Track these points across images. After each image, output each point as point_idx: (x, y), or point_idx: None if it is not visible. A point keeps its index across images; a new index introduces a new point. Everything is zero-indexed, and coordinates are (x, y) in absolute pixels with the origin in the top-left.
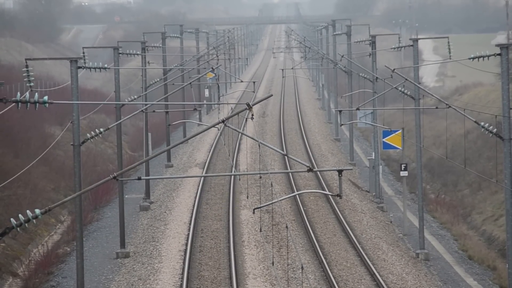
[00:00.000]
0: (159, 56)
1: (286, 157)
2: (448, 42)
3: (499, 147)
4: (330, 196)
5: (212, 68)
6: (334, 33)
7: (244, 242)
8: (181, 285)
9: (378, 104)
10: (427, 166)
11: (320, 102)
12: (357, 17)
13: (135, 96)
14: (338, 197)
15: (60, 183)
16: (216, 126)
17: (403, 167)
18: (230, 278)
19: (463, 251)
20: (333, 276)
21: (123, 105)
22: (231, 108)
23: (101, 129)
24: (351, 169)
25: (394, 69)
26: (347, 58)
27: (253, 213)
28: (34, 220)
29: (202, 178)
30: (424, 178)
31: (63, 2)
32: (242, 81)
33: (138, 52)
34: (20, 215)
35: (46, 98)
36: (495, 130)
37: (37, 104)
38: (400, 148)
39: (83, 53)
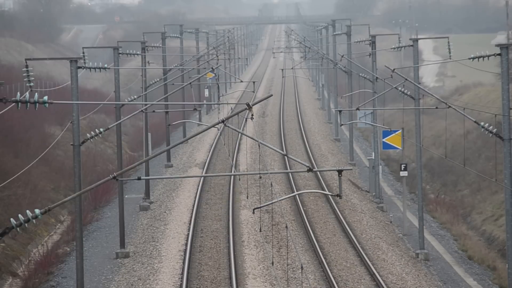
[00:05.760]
0: (159, 56)
1: (286, 157)
2: (448, 42)
3: (499, 147)
4: (330, 196)
5: (212, 68)
6: (334, 33)
7: (244, 242)
8: (181, 285)
9: (378, 104)
10: (427, 166)
11: (320, 102)
12: (357, 17)
13: (135, 96)
14: (338, 197)
15: (60, 183)
16: (216, 126)
17: (403, 167)
18: (230, 278)
19: (463, 251)
20: (333, 276)
21: (123, 105)
22: (231, 108)
23: (101, 129)
24: (351, 169)
25: (394, 69)
26: (347, 58)
27: (253, 213)
28: (34, 220)
29: (202, 178)
30: (424, 178)
31: (63, 2)
32: (242, 81)
33: (138, 52)
34: (20, 215)
35: (46, 98)
36: (495, 130)
37: (37, 104)
38: (400, 148)
39: (83, 53)
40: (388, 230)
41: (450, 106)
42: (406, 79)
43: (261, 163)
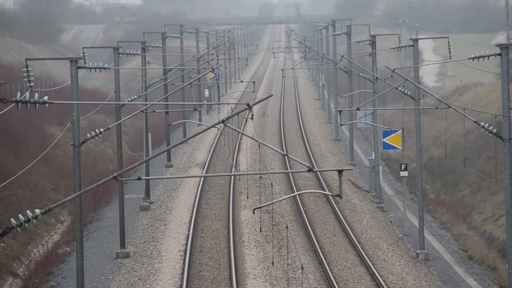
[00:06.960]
0: (159, 56)
1: (286, 157)
2: (448, 42)
3: (499, 147)
4: (330, 196)
5: (212, 68)
6: (334, 33)
7: (244, 242)
8: (181, 285)
9: (378, 104)
10: (427, 166)
11: (320, 102)
12: (357, 17)
13: (135, 96)
14: (338, 197)
15: (60, 183)
16: (216, 126)
17: (403, 167)
18: (230, 278)
19: (463, 251)
20: (333, 276)
21: (123, 105)
22: (231, 108)
23: (101, 129)
24: (351, 169)
25: (394, 69)
26: (347, 58)
27: (253, 213)
28: (34, 220)
29: (202, 178)
30: (424, 178)
31: (63, 2)
32: (242, 81)
33: (138, 52)
34: (20, 215)
35: (46, 98)
36: (495, 130)
37: (37, 104)
38: (400, 148)
39: (83, 53)
40: (388, 230)
41: (450, 106)
42: (406, 79)
43: (261, 163)
